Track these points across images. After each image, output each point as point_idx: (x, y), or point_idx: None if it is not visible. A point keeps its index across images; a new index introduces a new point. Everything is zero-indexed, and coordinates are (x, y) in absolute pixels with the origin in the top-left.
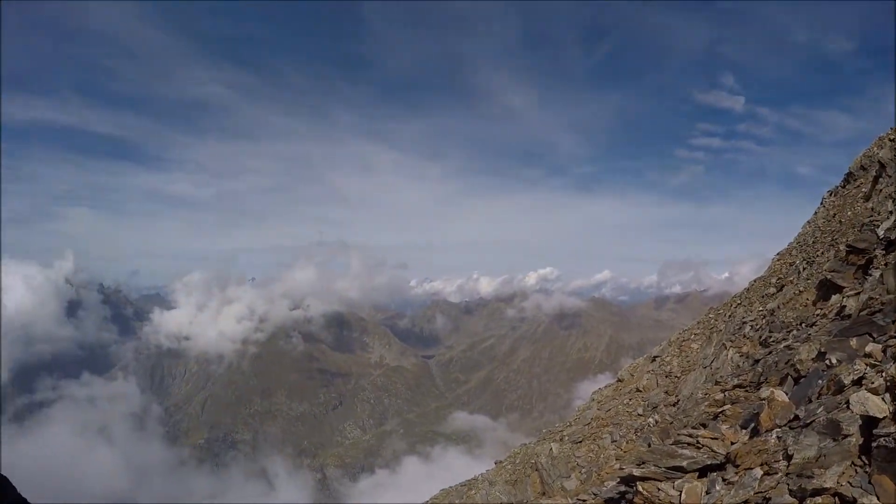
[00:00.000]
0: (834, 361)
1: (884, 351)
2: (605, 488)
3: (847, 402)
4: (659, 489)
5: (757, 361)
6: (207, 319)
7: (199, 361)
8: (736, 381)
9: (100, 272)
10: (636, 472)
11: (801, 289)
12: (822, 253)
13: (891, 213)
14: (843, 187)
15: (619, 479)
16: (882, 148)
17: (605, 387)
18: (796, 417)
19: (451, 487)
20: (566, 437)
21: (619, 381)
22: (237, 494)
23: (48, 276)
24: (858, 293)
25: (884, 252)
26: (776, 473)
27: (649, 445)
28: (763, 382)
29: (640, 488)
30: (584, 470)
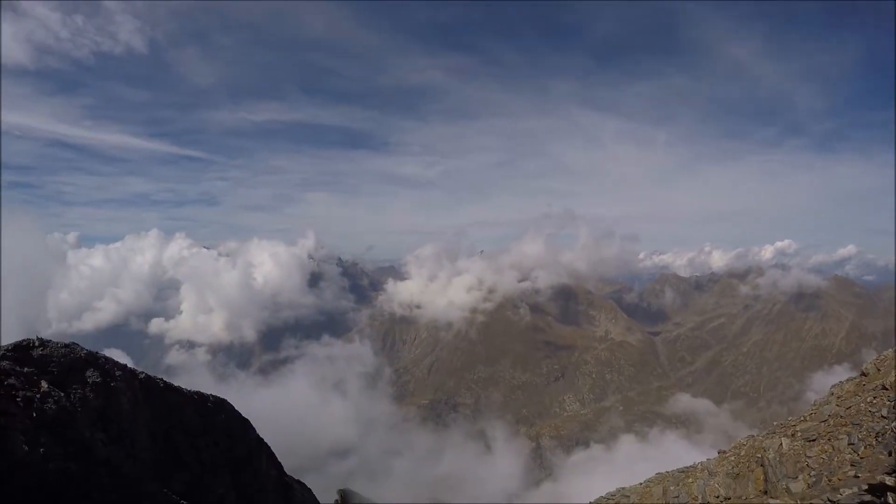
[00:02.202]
0: None
1: None
2: (841, 495)
3: None
4: None
5: None
6: (438, 289)
7: (428, 328)
8: None
9: (339, 248)
10: (889, 480)
11: None
12: None
13: None
14: None
15: (863, 487)
16: None
17: (847, 381)
18: None
19: (667, 472)
20: (798, 434)
21: (862, 374)
22: (455, 453)
23: (293, 252)
24: None
25: None
26: None
27: (890, 454)
28: None
29: (891, 500)
30: (813, 472)
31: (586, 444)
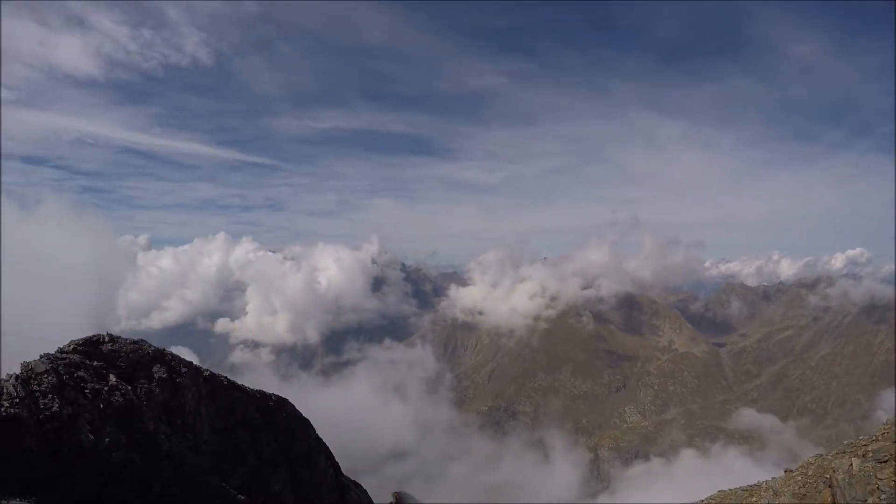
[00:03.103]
0: None
1: None
2: None
3: None
4: None
5: None
6: (500, 296)
7: (490, 334)
8: None
9: (402, 253)
10: None
11: None
12: None
13: None
14: None
15: None
16: None
17: None
18: None
19: (729, 490)
20: (870, 454)
21: None
22: (512, 461)
23: (357, 257)
24: None
25: None
26: None
27: None
28: None
29: None
30: (884, 496)
31: (646, 458)
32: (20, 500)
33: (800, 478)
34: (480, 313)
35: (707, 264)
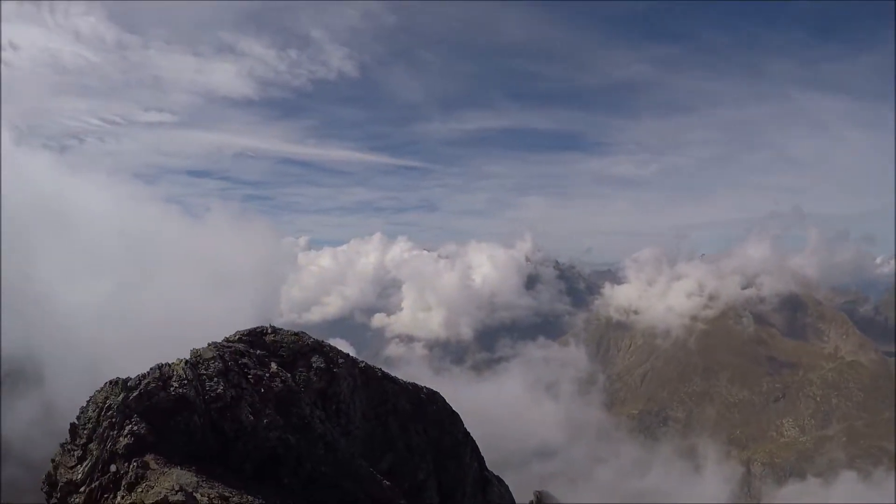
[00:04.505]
0: None
1: None
2: None
3: None
4: None
5: None
6: (656, 295)
7: (644, 335)
8: None
9: (555, 251)
10: None
11: None
12: None
13: None
14: None
15: None
16: None
17: None
18: None
19: None
20: None
21: None
22: (661, 469)
23: (510, 255)
24: None
25: None
26: None
27: None
28: None
29: None
30: None
31: (801, 476)
32: (181, 469)
33: None
34: (635, 312)
35: (878, 261)
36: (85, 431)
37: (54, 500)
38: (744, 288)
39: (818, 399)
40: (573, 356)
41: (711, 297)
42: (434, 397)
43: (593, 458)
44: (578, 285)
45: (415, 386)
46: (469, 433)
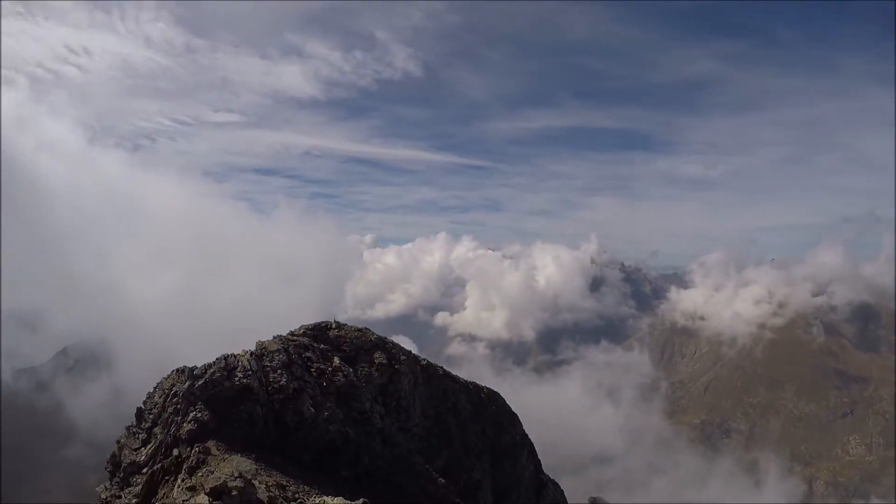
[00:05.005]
0: None
1: None
2: None
3: None
4: None
5: None
6: (723, 300)
7: (710, 342)
8: None
9: (621, 252)
10: None
11: None
12: None
13: None
14: None
15: None
16: None
17: None
18: None
19: None
20: None
21: None
22: (720, 482)
23: (576, 256)
24: None
25: None
26: None
27: None
28: None
29: None
30: None
31: (865, 497)
32: (241, 456)
33: None
34: (701, 318)
35: None
36: (150, 416)
37: (117, 479)
38: (814, 296)
39: (888, 417)
40: (636, 361)
41: (780, 305)
42: (494, 398)
43: (651, 467)
44: (644, 288)
45: (475, 385)
46: (527, 435)
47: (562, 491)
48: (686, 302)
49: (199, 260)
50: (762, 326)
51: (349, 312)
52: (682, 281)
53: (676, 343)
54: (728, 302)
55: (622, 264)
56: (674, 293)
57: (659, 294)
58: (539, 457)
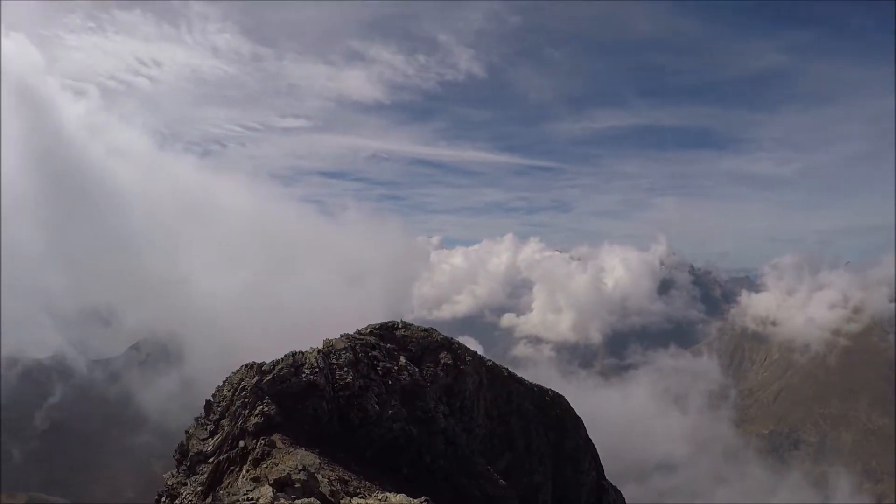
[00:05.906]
0: None
1: None
2: None
3: None
4: None
5: None
6: (796, 305)
7: (781, 349)
8: None
9: (691, 254)
10: None
11: None
12: None
13: None
14: None
15: None
16: None
17: None
18: None
19: None
20: None
21: None
22: (787, 495)
23: (644, 258)
24: None
25: None
26: None
27: None
28: None
29: None
30: None
31: None
32: (306, 450)
33: None
34: (773, 324)
35: None
36: (219, 408)
37: (184, 468)
38: (892, 301)
39: None
40: (705, 367)
41: (856, 310)
42: (559, 401)
43: (716, 477)
44: (714, 292)
45: (540, 388)
46: (590, 440)
47: (624, 499)
48: (757, 306)
49: (269, 259)
50: (836, 333)
51: (416, 313)
52: (753, 284)
53: (746, 349)
54: (801, 307)
55: (692, 266)
56: (744, 297)
57: (729, 298)
58: (602, 462)
